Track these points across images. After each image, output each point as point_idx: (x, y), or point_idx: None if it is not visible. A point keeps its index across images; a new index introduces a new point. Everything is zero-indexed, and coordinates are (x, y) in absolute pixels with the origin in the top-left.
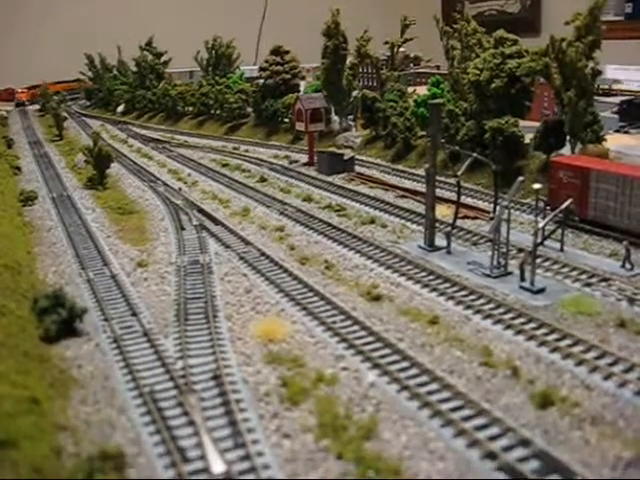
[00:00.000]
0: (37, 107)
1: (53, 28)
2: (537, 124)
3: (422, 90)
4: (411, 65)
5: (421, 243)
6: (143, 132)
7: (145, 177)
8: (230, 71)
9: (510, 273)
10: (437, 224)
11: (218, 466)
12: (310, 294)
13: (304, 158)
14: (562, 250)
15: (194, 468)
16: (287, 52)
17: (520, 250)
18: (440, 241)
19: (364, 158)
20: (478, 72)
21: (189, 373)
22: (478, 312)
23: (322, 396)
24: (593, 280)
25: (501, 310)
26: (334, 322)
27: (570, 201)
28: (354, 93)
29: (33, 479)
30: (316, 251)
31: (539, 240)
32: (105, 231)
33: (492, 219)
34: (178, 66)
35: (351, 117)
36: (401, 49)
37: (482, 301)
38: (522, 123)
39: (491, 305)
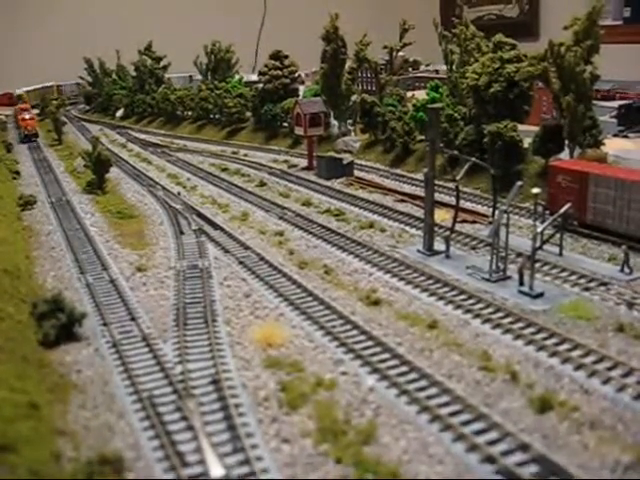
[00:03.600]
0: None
1: (52, 32)
2: (536, 128)
3: (421, 94)
4: (410, 69)
5: (420, 247)
6: (142, 136)
7: (144, 181)
8: (229, 75)
9: (509, 277)
10: (436, 228)
11: (217, 470)
12: (309, 299)
13: (303, 162)
14: (561, 254)
15: (193, 472)
16: (286, 57)
17: (519, 254)
18: (439, 245)
19: (363, 162)
20: (477, 76)
21: (188, 378)
22: (477, 316)
23: (321, 401)
24: (592, 284)
25: (500, 314)
26: (333, 327)
27: (569, 205)
28: (353, 97)
29: None
30: (315, 255)
31: (538, 244)
32: (104, 235)
33: (491, 223)
34: (177, 70)
35: (350, 121)
36: (400, 53)
37: (481, 305)
38: (521, 127)
39: (490, 309)
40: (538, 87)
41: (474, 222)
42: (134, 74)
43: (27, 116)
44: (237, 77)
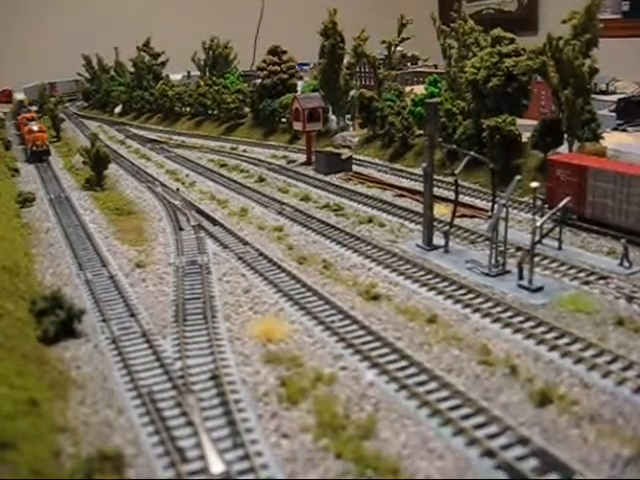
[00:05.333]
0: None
1: (51, 29)
2: (535, 122)
3: (420, 89)
4: (408, 64)
5: (419, 242)
6: (141, 133)
7: (143, 178)
8: (227, 71)
9: (508, 272)
10: (435, 223)
11: (217, 466)
12: (308, 294)
13: (302, 158)
14: (560, 248)
15: (193, 468)
16: (284, 52)
17: (518, 248)
18: (438, 240)
19: (362, 157)
20: (475, 71)
21: (188, 373)
22: (476, 311)
23: (321, 396)
24: (591, 278)
25: (499, 308)
26: (332, 321)
27: (568, 199)
28: (351, 92)
29: None
30: (314, 251)
31: (537, 238)
32: (103, 232)
33: (490, 218)
34: (175, 67)
35: (349, 116)
36: (398, 48)
37: (480, 300)
38: (520, 121)
39: (489, 304)
40: (537, 81)
41: (473, 216)
42: (132, 70)
43: (35, 127)
44: (236, 73)
